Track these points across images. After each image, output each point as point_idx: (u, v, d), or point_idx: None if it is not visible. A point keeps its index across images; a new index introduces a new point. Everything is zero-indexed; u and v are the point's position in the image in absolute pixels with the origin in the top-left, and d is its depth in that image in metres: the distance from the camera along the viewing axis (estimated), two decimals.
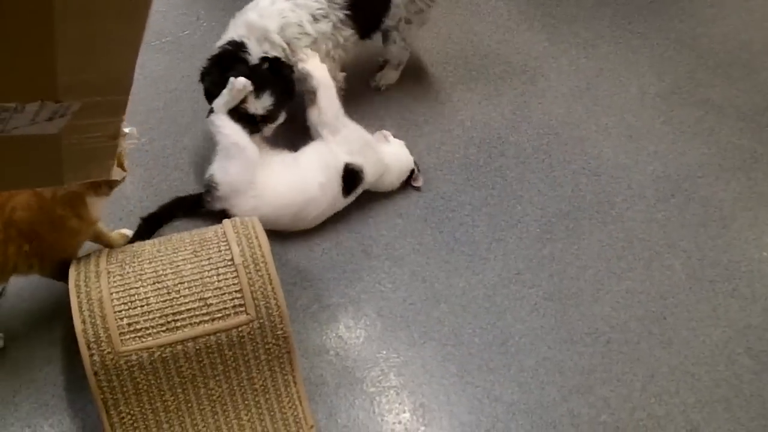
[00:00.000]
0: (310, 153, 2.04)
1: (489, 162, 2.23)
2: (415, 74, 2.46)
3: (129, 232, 1.95)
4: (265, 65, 1.98)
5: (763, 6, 2.82)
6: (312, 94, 2.05)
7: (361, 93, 2.36)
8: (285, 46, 2.01)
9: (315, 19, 2.05)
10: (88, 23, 0.65)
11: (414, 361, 1.82)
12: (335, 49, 2.11)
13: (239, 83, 1.92)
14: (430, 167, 2.20)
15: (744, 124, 2.38)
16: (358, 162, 2.01)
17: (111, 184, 1.57)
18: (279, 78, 2.00)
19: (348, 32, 2.10)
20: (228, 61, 1.99)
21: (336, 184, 2.00)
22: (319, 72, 2.03)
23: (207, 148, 2.20)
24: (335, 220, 2.06)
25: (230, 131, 1.96)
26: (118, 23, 0.68)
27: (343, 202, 2.04)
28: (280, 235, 1.98)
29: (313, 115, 2.05)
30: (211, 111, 2.00)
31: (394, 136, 2.17)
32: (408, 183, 2.15)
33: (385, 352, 1.83)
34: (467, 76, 2.47)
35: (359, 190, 2.05)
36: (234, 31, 2.02)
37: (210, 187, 1.96)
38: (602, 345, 1.87)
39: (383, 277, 1.96)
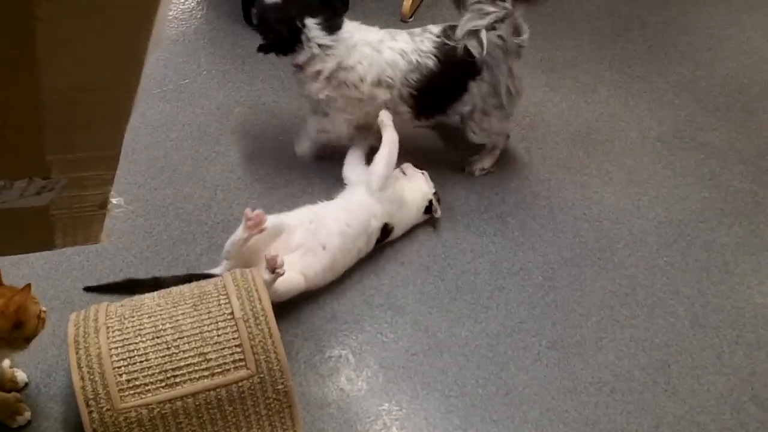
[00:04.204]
0: (336, 206, 2.05)
1: (490, 209, 2.23)
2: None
3: (23, 377, 1.78)
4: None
5: (760, 49, 2.84)
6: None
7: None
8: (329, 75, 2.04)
9: (378, 83, 2.05)
10: (77, 106, 0.66)
11: (417, 413, 1.80)
12: (396, 106, 2.11)
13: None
14: None
15: (744, 167, 2.38)
16: (394, 221, 2.07)
17: (30, 339, 1.54)
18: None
19: (404, 109, 2.11)
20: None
21: (364, 238, 2.01)
22: (392, 130, 2.05)
23: (208, 198, 2.21)
24: None
25: None
26: (106, 105, 0.69)
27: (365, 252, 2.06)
28: None
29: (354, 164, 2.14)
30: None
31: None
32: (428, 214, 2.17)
33: (387, 405, 1.81)
34: None
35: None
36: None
37: None
38: (606, 394, 1.85)
39: (385, 327, 1.95)
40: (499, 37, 2.01)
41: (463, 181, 2.30)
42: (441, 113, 2.18)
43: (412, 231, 2.15)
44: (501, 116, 2.19)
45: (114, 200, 0.94)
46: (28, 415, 1.73)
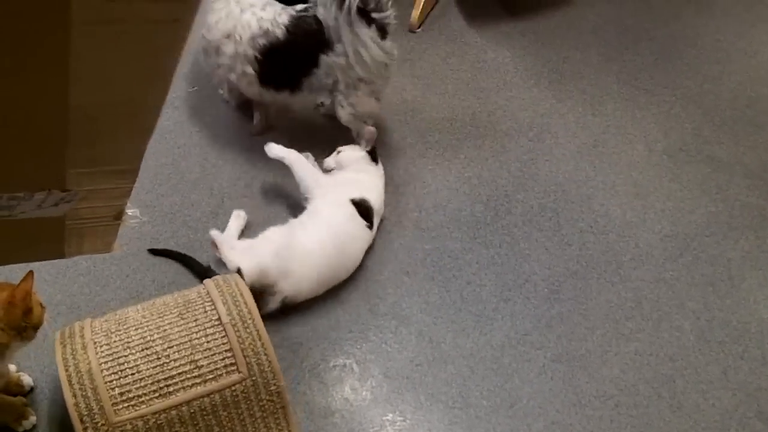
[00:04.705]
0: (319, 210, 2.08)
1: (496, 220, 2.23)
2: (421, 131, 2.48)
3: (29, 381, 1.79)
4: None
5: None
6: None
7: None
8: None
9: (228, 36, 2.17)
10: (102, 122, 0.67)
11: (421, 424, 1.80)
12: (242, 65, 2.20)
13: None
14: (438, 225, 2.20)
15: (751, 181, 2.38)
16: (362, 192, 2.11)
17: (36, 327, 1.54)
18: None
19: (249, 70, 2.19)
20: None
21: (353, 224, 2.05)
22: (285, 153, 2.17)
23: (215, 205, 2.22)
24: None
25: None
26: (130, 122, 0.69)
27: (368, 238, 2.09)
28: None
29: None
30: None
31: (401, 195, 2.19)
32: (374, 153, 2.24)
33: (391, 416, 1.81)
34: (474, 133, 2.49)
35: (377, 220, 2.12)
36: None
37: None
38: (611, 408, 1.84)
39: (390, 336, 1.95)
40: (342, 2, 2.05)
41: (468, 192, 2.30)
42: (291, 87, 2.23)
43: (416, 240, 2.16)
44: (369, 92, 2.22)
45: (129, 211, 0.95)
46: (33, 419, 1.73)
